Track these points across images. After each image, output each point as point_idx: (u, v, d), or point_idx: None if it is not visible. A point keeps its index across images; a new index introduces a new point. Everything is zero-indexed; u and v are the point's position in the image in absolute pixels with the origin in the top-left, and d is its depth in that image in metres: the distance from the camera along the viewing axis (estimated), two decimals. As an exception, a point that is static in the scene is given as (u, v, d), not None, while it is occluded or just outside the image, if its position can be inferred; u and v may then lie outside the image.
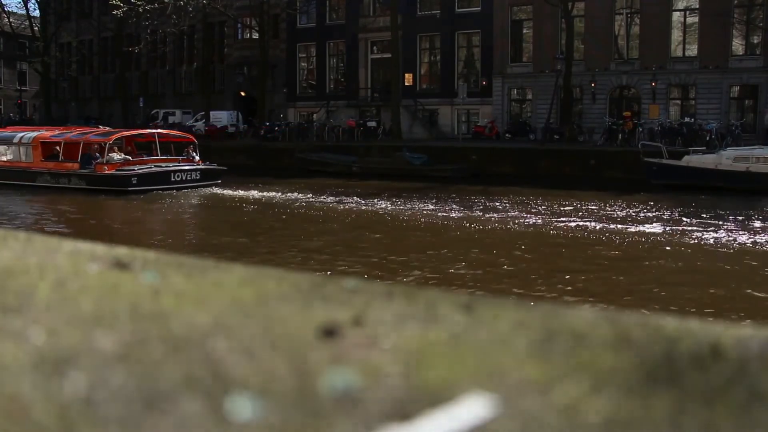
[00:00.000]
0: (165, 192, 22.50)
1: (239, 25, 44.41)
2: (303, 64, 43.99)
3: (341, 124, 36.93)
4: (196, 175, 24.03)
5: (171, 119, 43.85)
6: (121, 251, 1.21)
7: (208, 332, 0.81)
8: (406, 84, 38.33)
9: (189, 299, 0.94)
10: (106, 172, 22.76)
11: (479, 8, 36.87)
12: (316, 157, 31.01)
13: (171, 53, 48.66)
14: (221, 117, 41.78)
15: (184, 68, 49.07)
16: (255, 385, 0.67)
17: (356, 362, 0.72)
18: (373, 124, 36.80)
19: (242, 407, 0.62)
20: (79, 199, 21.66)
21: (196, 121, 42.74)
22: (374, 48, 40.88)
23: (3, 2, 52.77)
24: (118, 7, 37.56)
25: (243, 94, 44.86)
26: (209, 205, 21.41)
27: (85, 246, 1.27)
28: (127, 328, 0.82)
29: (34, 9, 53.83)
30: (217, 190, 23.62)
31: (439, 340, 0.79)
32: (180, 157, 24.71)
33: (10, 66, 64.71)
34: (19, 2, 67.09)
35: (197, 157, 24.92)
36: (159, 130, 27.44)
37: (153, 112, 45.81)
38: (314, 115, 39.84)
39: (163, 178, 23.12)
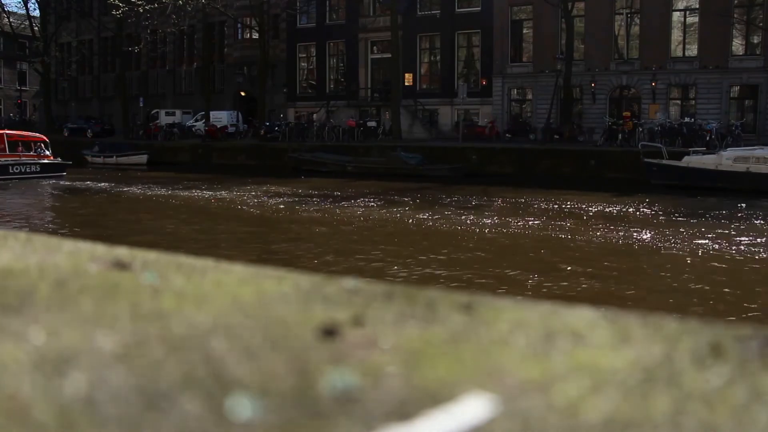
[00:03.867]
0: (2, 182, 26.50)
1: (239, 25, 44.39)
2: (303, 64, 43.98)
3: (341, 124, 36.92)
4: (36, 168, 28.20)
5: (171, 119, 43.87)
6: (121, 251, 1.21)
7: (208, 332, 0.81)
8: (406, 84, 38.32)
9: (189, 299, 0.94)
10: None
11: (479, 8, 36.87)
12: (310, 156, 30.82)
13: (171, 53, 48.66)
14: (221, 117, 41.76)
15: (184, 68, 49.06)
16: (255, 385, 0.67)
17: (356, 362, 0.72)
18: (373, 124, 36.79)
19: (242, 407, 0.62)
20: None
21: (196, 121, 42.68)
22: (374, 48, 40.86)
23: (3, 2, 52.72)
24: (118, 7, 37.57)
25: (243, 94, 44.85)
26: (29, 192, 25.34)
27: (85, 246, 1.27)
28: (127, 328, 0.82)
29: (34, 9, 53.85)
30: (58, 182, 27.44)
31: (439, 340, 0.79)
32: (30, 153, 28.93)
33: (10, 66, 64.70)
34: (19, 2, 67.04)
35: (48, 153, 29.26)
36: (8, 131, 31.48)
37: (153, 112, 45.78)
38: (314, 115, 39.84)
39: (1, 170, 27.32)
